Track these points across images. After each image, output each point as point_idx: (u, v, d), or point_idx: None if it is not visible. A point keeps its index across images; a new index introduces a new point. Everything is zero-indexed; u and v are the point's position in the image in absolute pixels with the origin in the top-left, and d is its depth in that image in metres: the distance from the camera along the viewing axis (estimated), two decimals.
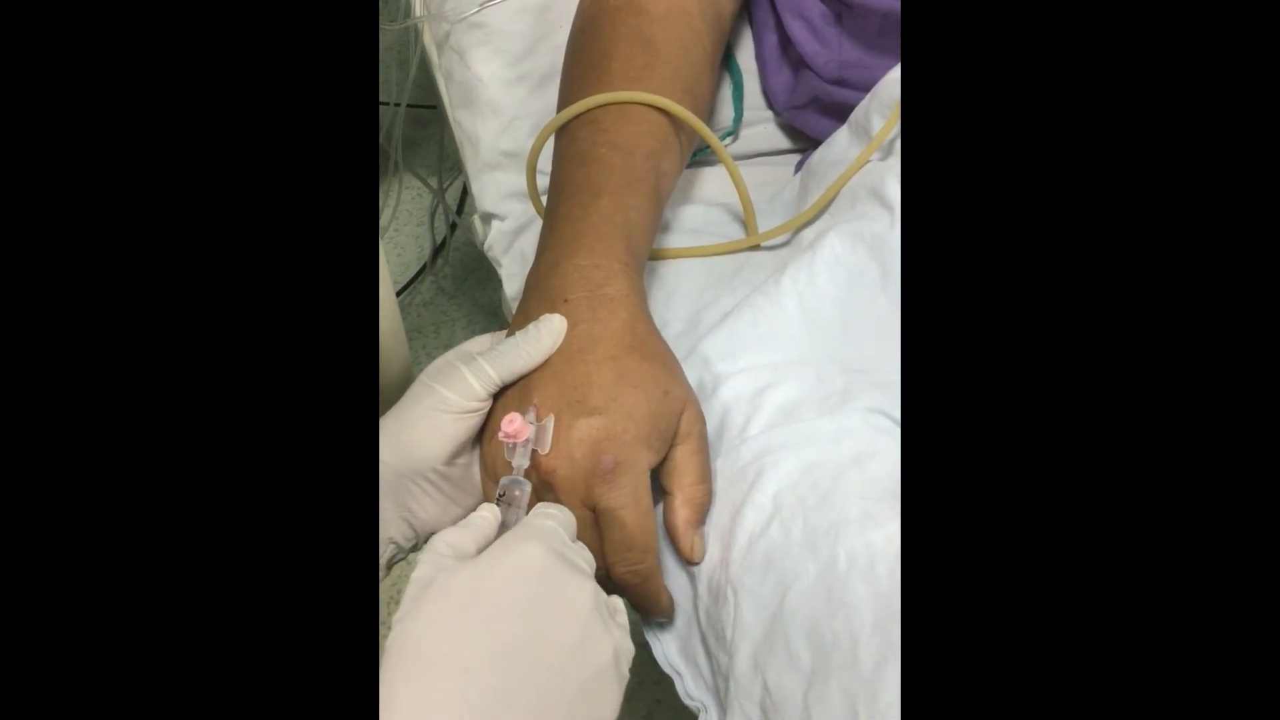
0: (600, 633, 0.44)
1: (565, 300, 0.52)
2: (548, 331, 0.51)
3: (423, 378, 0.52)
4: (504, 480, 0.49)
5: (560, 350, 0.51)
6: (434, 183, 1.31)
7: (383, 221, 1.42)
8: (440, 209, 1.36)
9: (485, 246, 0.77)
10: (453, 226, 1.39)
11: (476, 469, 0.53)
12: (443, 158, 1.28)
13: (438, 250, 1.42)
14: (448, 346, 1.42)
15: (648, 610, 0.52)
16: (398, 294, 1.41)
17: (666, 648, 0.54)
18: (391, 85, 1.22)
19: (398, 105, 1.19)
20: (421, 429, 0.50)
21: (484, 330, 1.38)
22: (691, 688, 0.53)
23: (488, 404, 0.51)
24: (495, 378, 0.51)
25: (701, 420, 0.52)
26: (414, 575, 0.43)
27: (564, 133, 0.61)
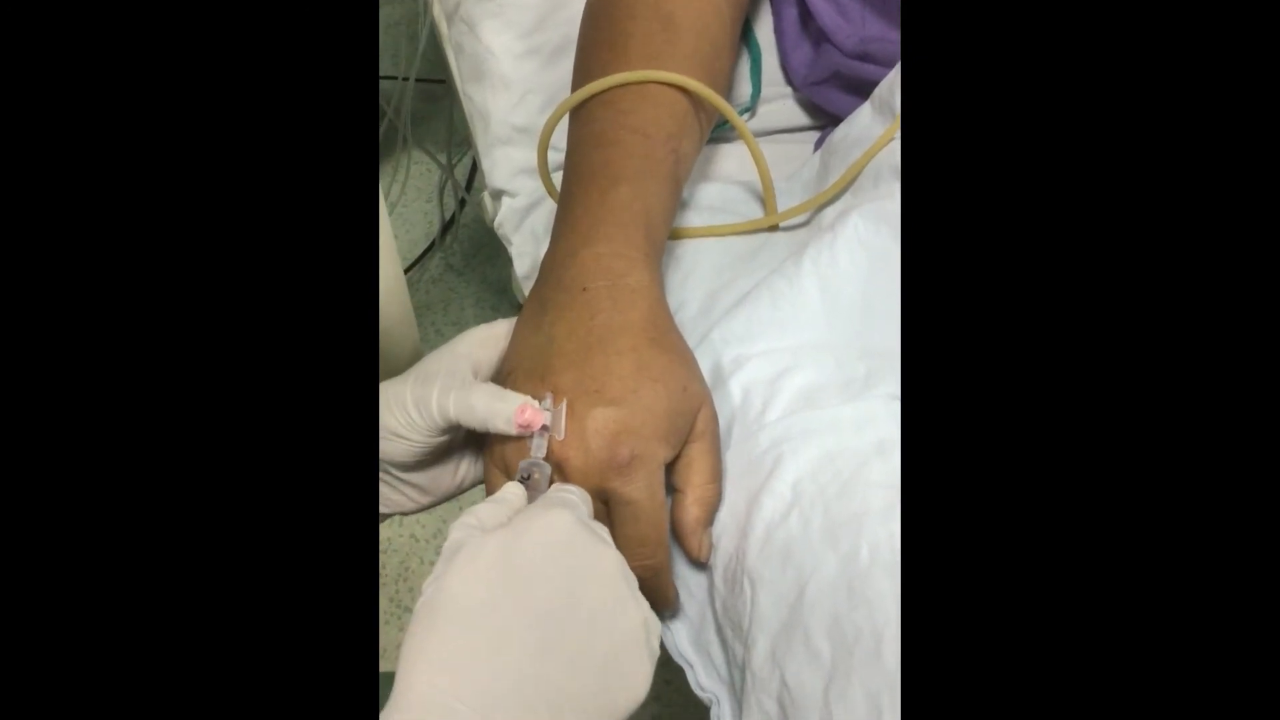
0: (629, 599, 0.44)
1: (584, 289, 0.51)
2: (507, 409, 0.48)
3: (408, 377, 0.50)
4: (524, 463, 0.48)
5: (578, 339, 0.49)
6: (443, 158, 1.29)
7: (391, 197, 1.41)
8: (449, 185, 1.34)
9: (495, 224, 0.75)
10: (461, 203, 1.37)
11: (444, 478, 0.53)
12: (452, 133, 1.27)
13: (447, 226, 1.41)
14: (457, 323, 1.41)
15: (655, 604, 0.51)
16: (407, 270, 1.40)
17: (678, 637, 0.53)
18: (401, 59, 1.20)
19: (405, 80, 1.17)
20: (382, 435, 0.50)
21: (493, 307, 1.38)
22: (704, 679, 0.52)
23: (443, 439, 0.50)
24: (445, 421, 0.49)
25: (715, 419, 0.51)
26: (445, 544, 0.43)
27: (580, 112, 0.59)
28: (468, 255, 1.43)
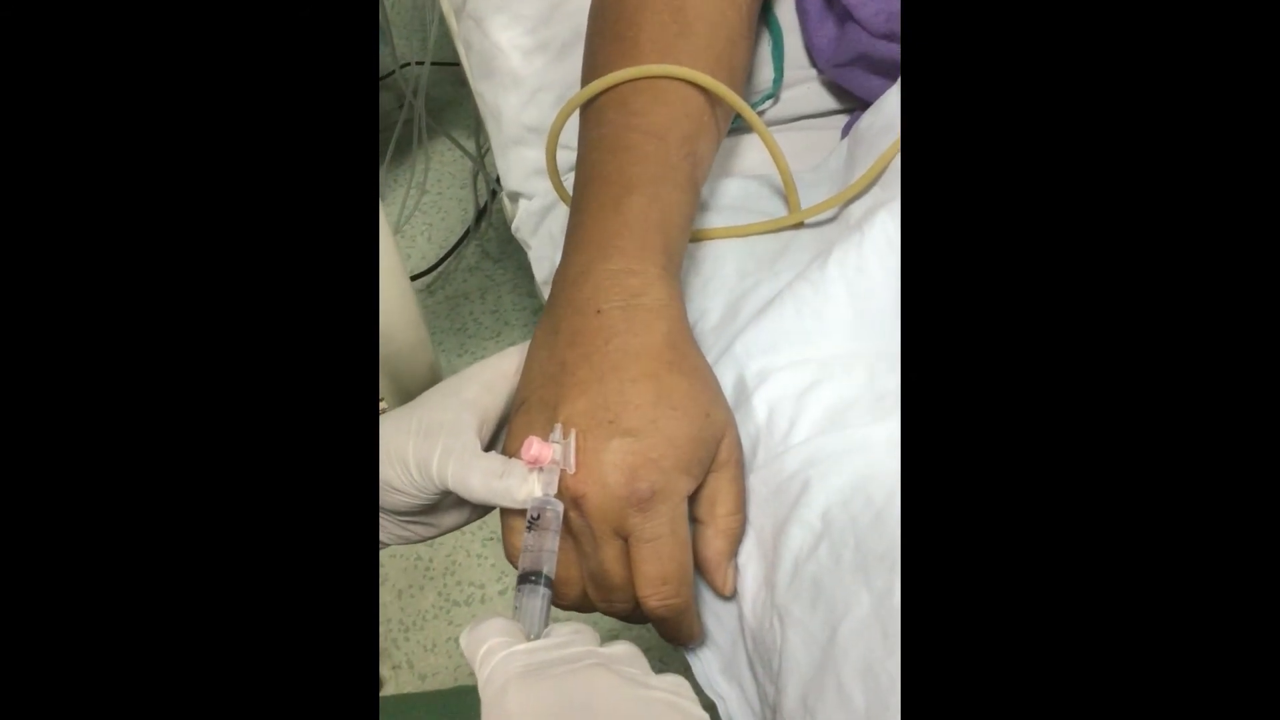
0: None
1: (598, 311, 0.48)
2: (507, 489, 0.46)
3: (411, 423, 0.48)
4: (534, 502, 0.45)
5: (592, 365, 0.46)
6: (470, 146, 1.27)
7: (420, 182, 1.38)
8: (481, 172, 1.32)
9: (514, 227, 0.73)
10: (493, 192, 1.35)
11: (450, 518, 0.51)
12: (480, 119, 1.24)
13: (481, 213, 1.39)
14: (495, 310, 1.39)
15: (679, 641, 0.49)
16: (442, 260, 1.38)
17: (708, 666, 0.51)
18: (414, 42, 1.17)
19: (420, 64, 1.13)
20: (383, 488, 0.48)
21: (530, 294, 1.36)
22: (736, 712, 0.50)
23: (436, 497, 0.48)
24: (445, 486, 0.47)
25: (740, 446, 0.48)
26: (484, 681, 0.40)
27: (591, 112, 0.56)
28: (503, 242, 1.41)
